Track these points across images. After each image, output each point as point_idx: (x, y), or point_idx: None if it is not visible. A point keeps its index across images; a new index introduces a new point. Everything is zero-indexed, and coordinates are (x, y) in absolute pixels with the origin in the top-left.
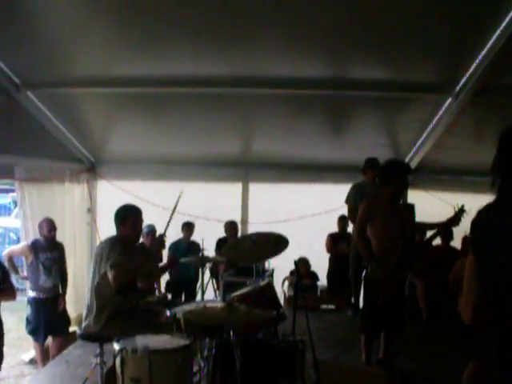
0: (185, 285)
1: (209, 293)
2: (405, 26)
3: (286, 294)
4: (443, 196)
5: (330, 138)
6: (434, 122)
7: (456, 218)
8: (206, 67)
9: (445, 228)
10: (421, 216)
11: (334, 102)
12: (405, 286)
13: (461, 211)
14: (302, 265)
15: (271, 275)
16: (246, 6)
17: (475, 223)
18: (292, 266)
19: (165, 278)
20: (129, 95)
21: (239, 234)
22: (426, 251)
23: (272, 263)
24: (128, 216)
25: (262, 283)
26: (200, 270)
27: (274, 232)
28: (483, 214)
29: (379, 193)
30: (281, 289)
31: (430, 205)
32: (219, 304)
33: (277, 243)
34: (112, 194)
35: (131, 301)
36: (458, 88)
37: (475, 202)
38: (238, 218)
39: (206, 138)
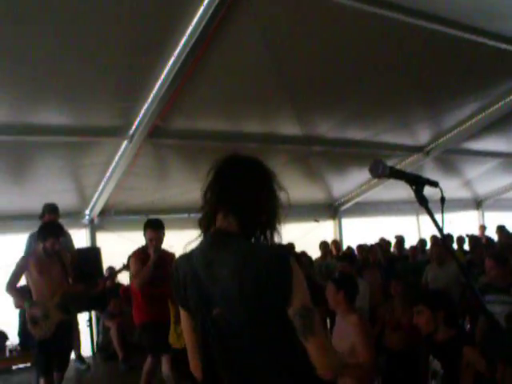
0: None
1: None
2: (81, 75)
3: None
4: (132, 236)
5: (12, 185)
6: (114, 164)
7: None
8: None
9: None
10: (110, 257)
11: (14, 148)
12: (68, 327)
13: None
14: None
15: None
16: None
17: None
18: None
19: None
20: None
21: None
22: (117, 293)
23: None
24: None
25: None
26: None
27: None
28: None
29: (36, 248)
30: None
31: (118, 246)
32: None
33: None
34: None
35: None
36: (131, 131)
37: (164, 238)
38: None
39: None
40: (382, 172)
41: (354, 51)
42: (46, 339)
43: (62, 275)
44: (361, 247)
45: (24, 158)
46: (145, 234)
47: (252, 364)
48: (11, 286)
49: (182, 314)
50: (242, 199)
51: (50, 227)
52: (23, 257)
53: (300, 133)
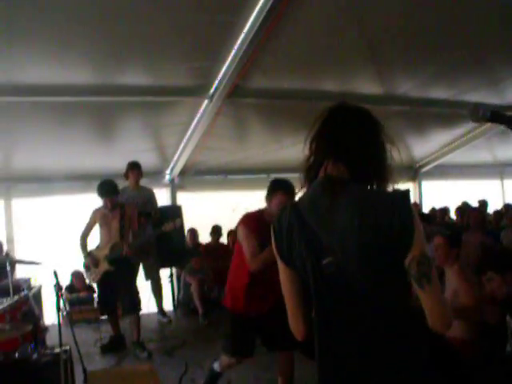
0: None
1: None
2: (160, 35)
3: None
4: (212, 196)
5: (96, 146)
6: (194, 124)
7: None
8: None
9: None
10: (190, 216)
11: (99, 109)
12: (117, 275)
13: None
14: (77, 278)
15: (39, 291)
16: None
17: None
18: (67, 282)
19: None
20: None
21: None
22: (198, 251)
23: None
24: None
25: (16, 299)
26: None
27: None
28: None
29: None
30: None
31: (198, 205)
32: None
33: None
34: None
35: None
36: (212, 90)
37: (242, 199)
38: (2, 237)
39: None
40: (483, 115)
41: (441, 4)
42: (98, 283)
43: (119, 229)
44: (460, 209)
45: (107, 119)
46: (269, 198)
47: (365, 316)
48: (82, 237)
49: (282, 268)
50: (352, 147)
51: (101, 187)
52: (93, 210)
53: (381, 92)
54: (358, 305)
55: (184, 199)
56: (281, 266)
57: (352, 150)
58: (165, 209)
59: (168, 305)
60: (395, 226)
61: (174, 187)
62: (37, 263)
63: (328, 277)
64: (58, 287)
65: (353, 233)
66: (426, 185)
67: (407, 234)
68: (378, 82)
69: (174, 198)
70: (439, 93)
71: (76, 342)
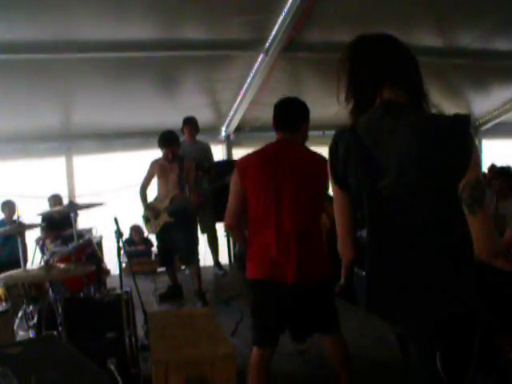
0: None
1: None
2: None
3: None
4: None
5: (154, 102)
6: (250, 79)
7: None
8: (14, 31)
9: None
10: None
11: (157, 64)
12: (175, 227)
13: None
14: (135, 232)
15: (100, 240)
16: None
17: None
18: (125, 236)
19: None
20: None
21: None
22: None
23: (101, 231)
24: None
25: (81, 241)
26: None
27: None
28: None
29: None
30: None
31: None
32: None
33: None
34: None
35: None
36: (267, 44)
37: None
38: (64, 193)
39: (21, 111)
40: None
41: None
42: (157, 234)
43: (177, 181)
44: None
45: (165, 75)
46: None
47: (417, 239)
48: (141, 188)
49: (337, 192)
50: (406, 68)
51: (162, 137)
52: (152, 161)
53: (440, 44)
54: (410, 228)
55: (240, 156)
56: (335, 189)
57: (406, 71)
58: (221, 163)
59: (224, 258)
60: (453, 150)
61: (230, 144)
62: (99, 204)
63: (383, 199)
64: (118, 233)
65: (411, 156)
66: (487, 144)
67: (464, 158)
68: (438, 34)
69: (229, 154)
70: (503, 44)
71: (136, 287)
